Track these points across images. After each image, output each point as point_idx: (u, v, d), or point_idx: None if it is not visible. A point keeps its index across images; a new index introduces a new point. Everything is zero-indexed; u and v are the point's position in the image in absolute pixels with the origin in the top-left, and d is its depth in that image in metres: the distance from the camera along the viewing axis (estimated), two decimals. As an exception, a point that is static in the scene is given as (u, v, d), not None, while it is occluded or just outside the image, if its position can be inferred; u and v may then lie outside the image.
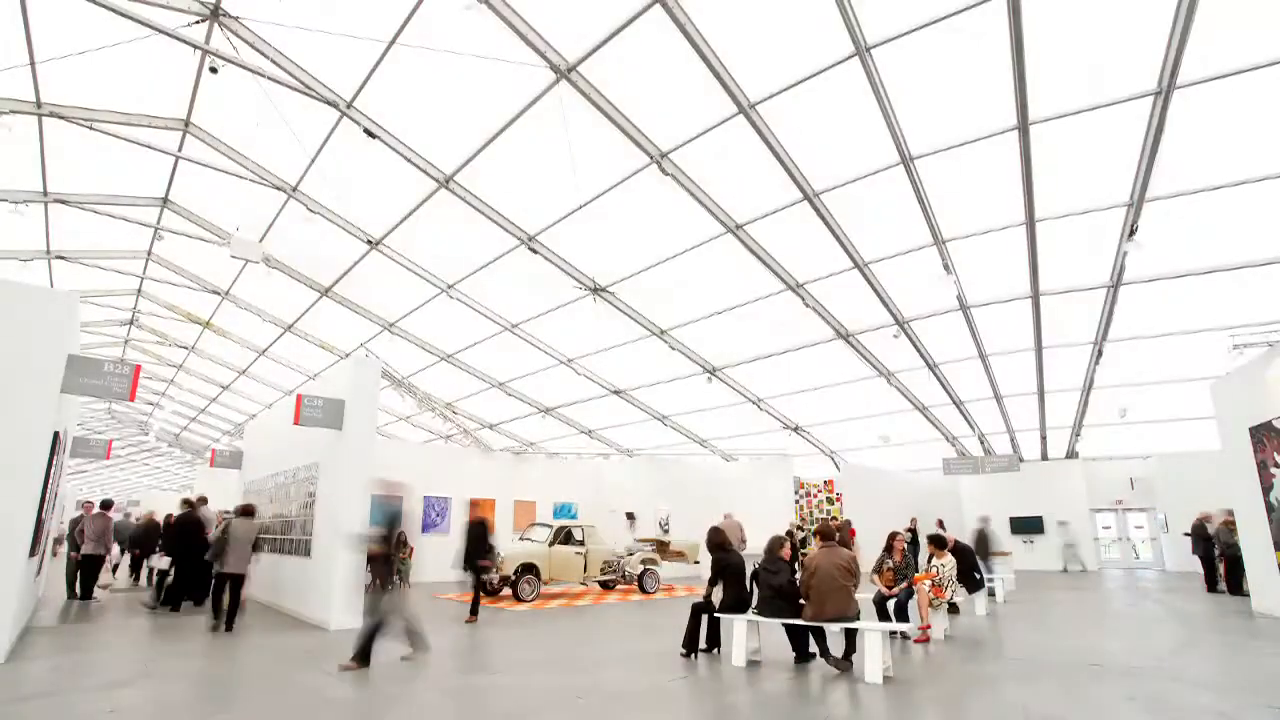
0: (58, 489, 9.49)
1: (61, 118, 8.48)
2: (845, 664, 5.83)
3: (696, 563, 15.81)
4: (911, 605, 7.46)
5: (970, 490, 20.38)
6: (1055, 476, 19.34)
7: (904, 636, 7.39)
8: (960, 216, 9.32)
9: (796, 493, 19.48)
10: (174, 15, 7.22)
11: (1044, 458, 19.61)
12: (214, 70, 7.82)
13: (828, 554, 6.09)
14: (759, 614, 6.36)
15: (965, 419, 16.95)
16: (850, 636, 6.06)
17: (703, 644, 6.72)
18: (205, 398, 23.44)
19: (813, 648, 6.24)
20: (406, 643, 6.26)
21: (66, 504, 17.17)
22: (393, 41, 7.44)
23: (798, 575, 6.44)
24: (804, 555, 9.83)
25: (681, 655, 6.51)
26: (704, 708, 4.86)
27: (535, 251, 10.91)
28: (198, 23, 7.46)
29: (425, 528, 16.36)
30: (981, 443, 18.43)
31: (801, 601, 6.15)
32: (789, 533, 9.41)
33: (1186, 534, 13.29)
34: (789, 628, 6.29)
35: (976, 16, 6.41)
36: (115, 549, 13.90)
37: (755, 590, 6.61)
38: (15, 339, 6.58)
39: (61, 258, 12.43)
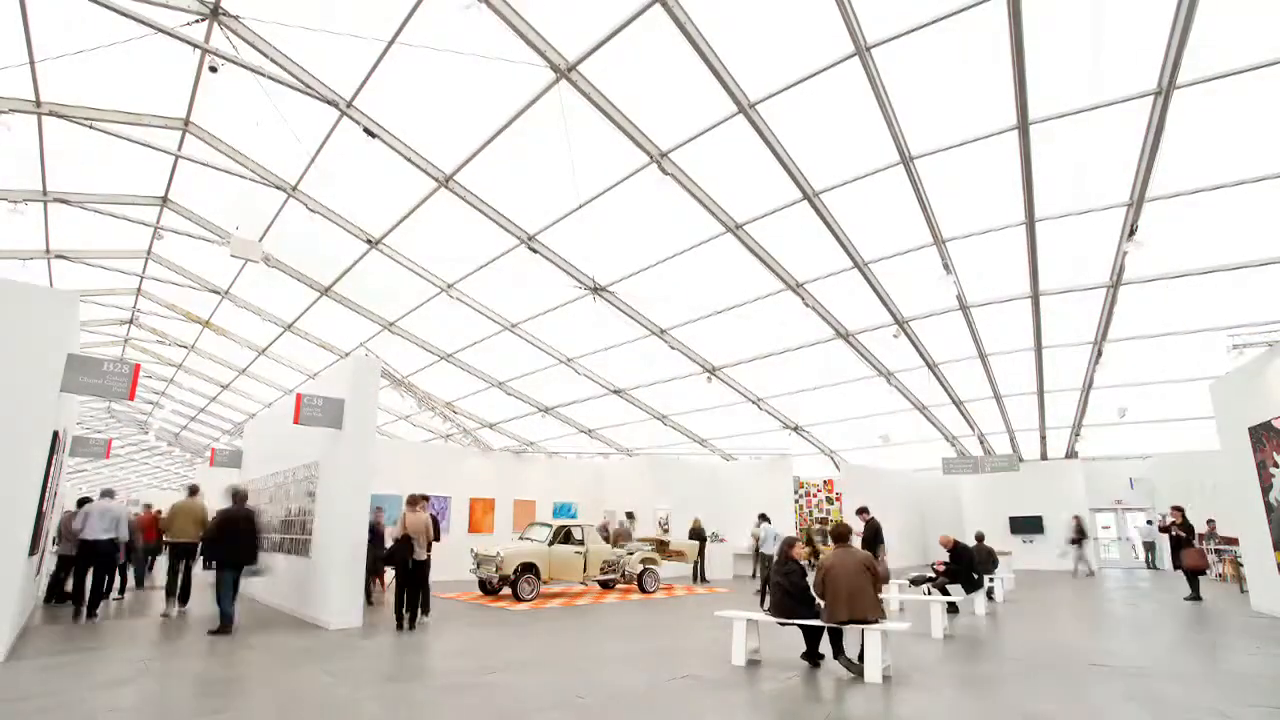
0: (57, 488, 9.49)
1: (61, 117, 8.47)
2: (859, 665, 5.69)
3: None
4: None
5: (970, 490, 20.38)
6: (1055, 476, 19.33)
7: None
8: (960, 216, 9.31)
9: (796, 492, 19.48)
10: (174, 14, 7.22)
11: (1044, 458, 19.60)
12: (214, 69, 7.82)
13: (842, 555, 6.04)
14: (772, 615, 6.33)
15: (965, 419, 16.94)
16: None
17: None
18: (205, 397, 23.44)
19: (823, 648, 6.22)
20: None
21: (66, 502, 17.12)
22: (392, 41, 7.44)
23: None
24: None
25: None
26: (704, 707, 4.86)
27: (535, 251, 10.90)
28: (197, 22, 7.46)
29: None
30: (981, 443, 18.41)
31: (820, 603, 6.09)
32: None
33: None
34: (804, 628, 6.26)
35: (977, 16, 6.41)
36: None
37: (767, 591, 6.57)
38: (15, 338, 6.58)
39: (62, 257, 12.43)
